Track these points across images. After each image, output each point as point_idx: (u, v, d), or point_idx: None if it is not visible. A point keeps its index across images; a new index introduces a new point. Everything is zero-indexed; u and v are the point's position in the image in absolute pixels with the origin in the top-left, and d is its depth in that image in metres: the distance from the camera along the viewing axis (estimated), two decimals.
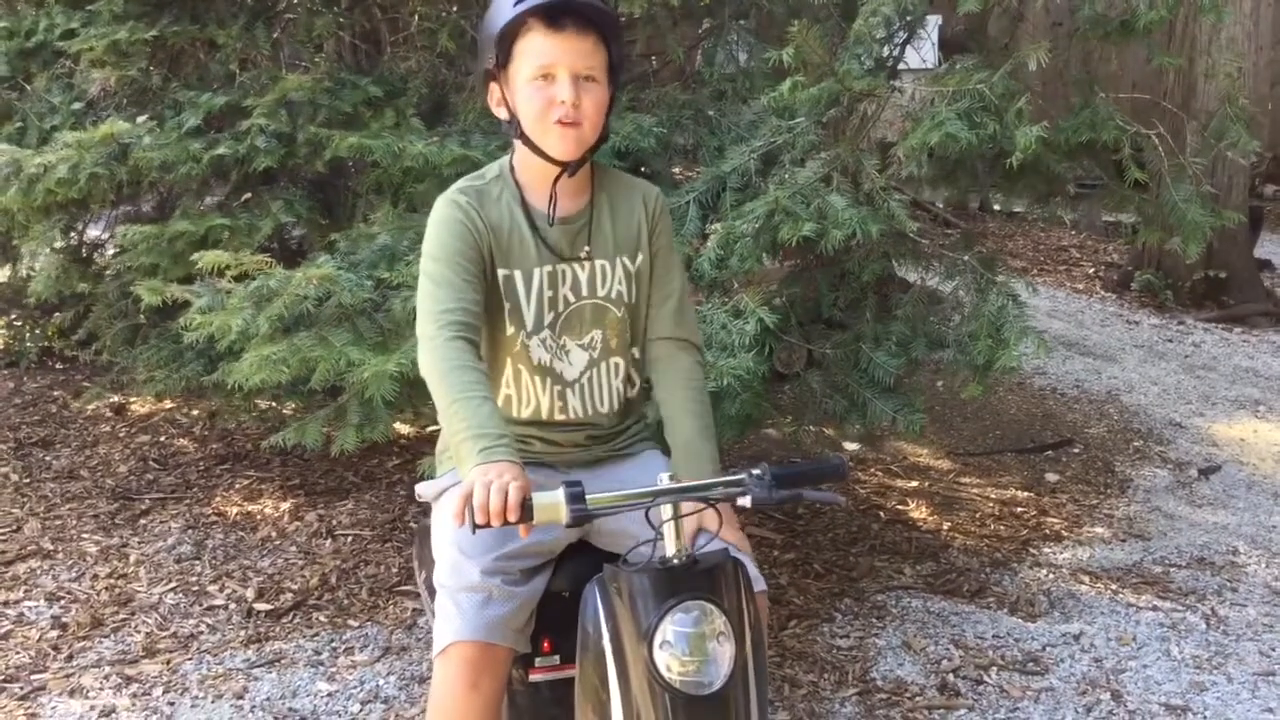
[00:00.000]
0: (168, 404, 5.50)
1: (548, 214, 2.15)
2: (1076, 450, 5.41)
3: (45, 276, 4.68)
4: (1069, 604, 3.77)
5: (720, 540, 1.99)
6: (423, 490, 2.37)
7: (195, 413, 5.44)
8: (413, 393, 3.29)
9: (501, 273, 2.14)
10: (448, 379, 1.98)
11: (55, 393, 5.80)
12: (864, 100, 3.61)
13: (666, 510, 1.89)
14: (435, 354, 2.02)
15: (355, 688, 3.20)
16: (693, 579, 1.87)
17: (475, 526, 1.79)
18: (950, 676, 3.30)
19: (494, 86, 2.12)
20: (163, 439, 5.21)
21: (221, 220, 4.08)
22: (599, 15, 2.08)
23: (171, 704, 3.12)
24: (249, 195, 4.47)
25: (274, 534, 4.22)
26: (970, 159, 3.75)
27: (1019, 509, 4.66)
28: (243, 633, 3.52)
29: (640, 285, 2.23)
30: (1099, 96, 3.63)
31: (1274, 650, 3.51)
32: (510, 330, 2.17)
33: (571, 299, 2.18)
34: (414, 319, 3.35)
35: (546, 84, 2.05)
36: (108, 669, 3.29)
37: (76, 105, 4.65)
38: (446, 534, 2.20)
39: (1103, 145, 3.59)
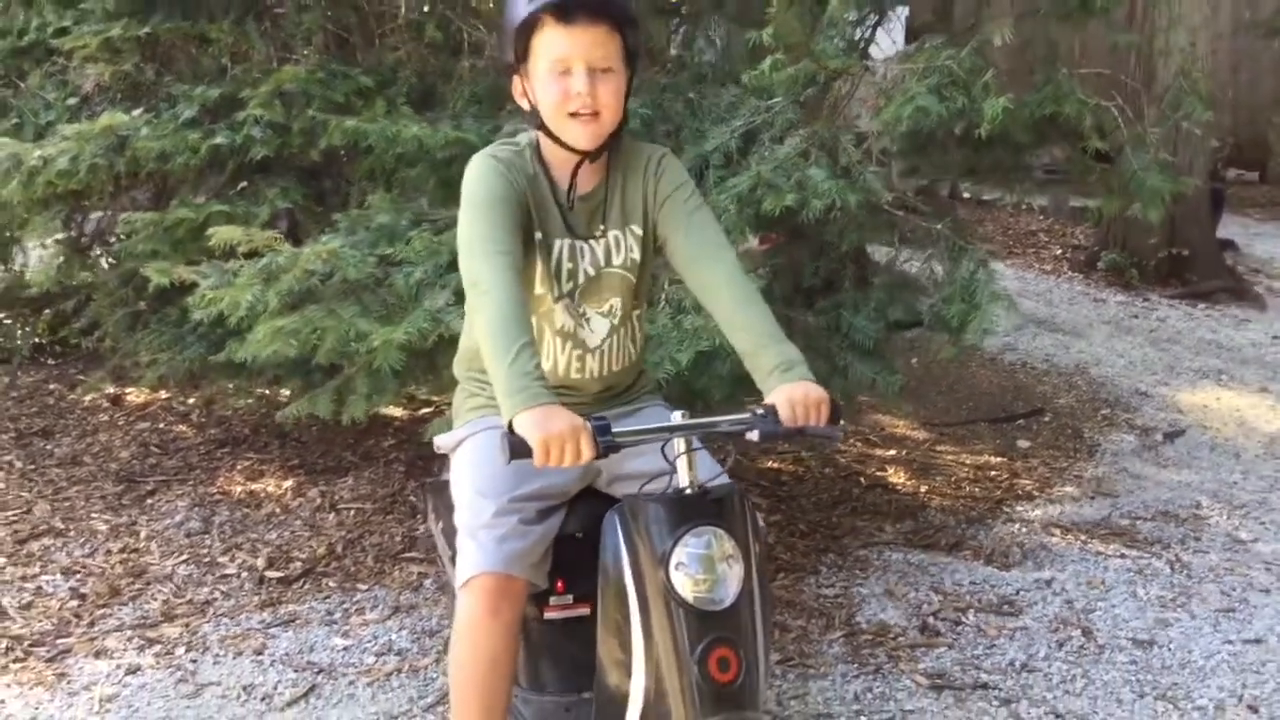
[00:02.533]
0: (163, 393, 5.62)
1: (568, 195, 2.27)
2: (1047, 419, 5.62)
3: (47, 267, 4.81)
4: (1041, 554, 3.97)
5: (726, 476, 2.16)
6: (441, 441, 2.52)
7: (192, 401, 5.57)
8: (418, 363, 3.46)
9: (538, 234, 2.25)
10: (502, 314, 2.01)
11: (51, 386, 5.92)
12: (839, 79, 3.80)
13: (680, 445, 2.06)
14: (492, 290, 2.04)
15: (370, 642, 3.36)
16: (704, 507, 2.04)
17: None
18: (930, 619, 3.50)
19: (516, 79, 2.22)
20: (161, 425, 5.34)
21: (220, 207, 4.21)
22: (610, 5, 2.14)
23: (194, 661, 3.27)
24: (245, 184, 4.60)
25: (278, 510, 4.37)
26: (941, 133, 3.94)
27: (993, 473, 4.86)
28: (256, 598, 3.67)
29: (646, 247, 2.34)
30: (1061, 72, 3.84)
31: (1234, 590, 3.73)
32: (540, 290, 2.29)
33: (591, 271, 2.29)
34: (417, 293, 3.56)
35: (563, 77, 2.14)
36: (129, 633, 3.44)
37: (71, 101, 4.78)
38: (466, 478, 2.35)
39: (1065, 119, 3.80)
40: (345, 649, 3.33)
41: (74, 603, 3.64)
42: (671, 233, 2.29)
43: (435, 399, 5.05)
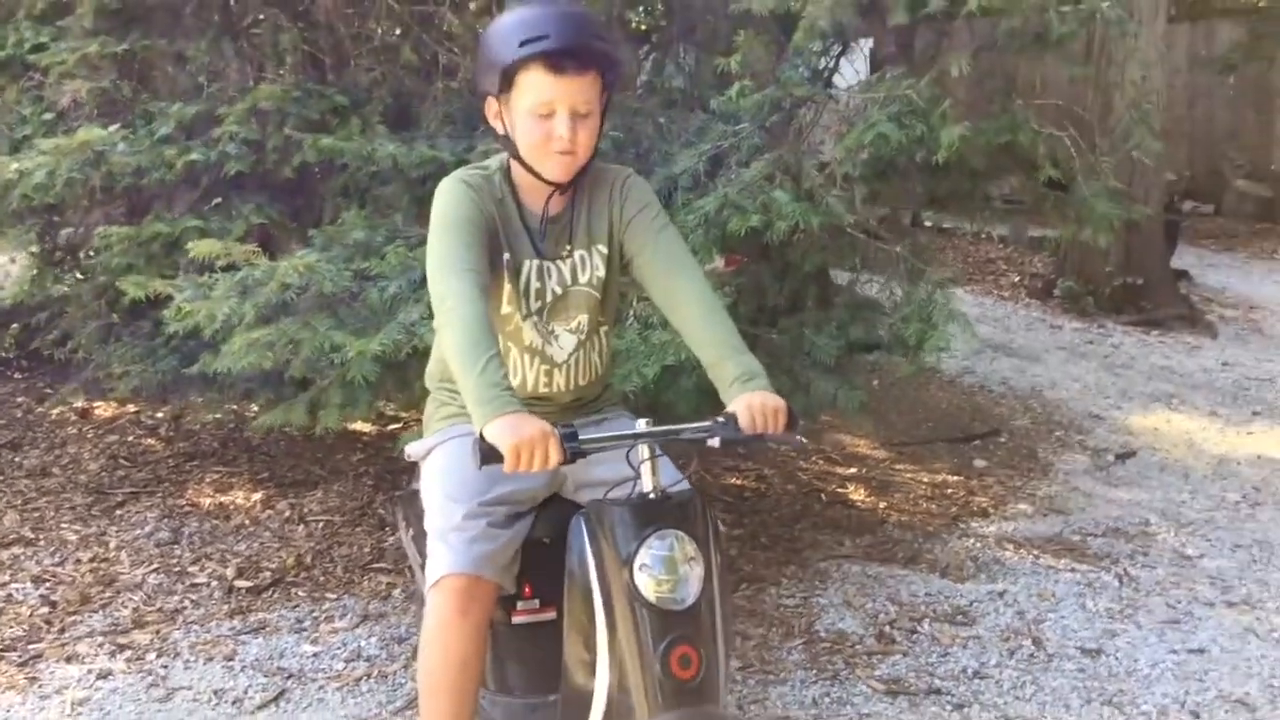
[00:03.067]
0: (131, 407, 5.65)
1: (539, 220, 2.35)
2: (1003, 439, 5.76)
3: (21, 279, 4.85)
4: (994, 568, 4.09)
5: (687, 482, 2.25)
6: (412, 449, 2.61)
7: (160, 415, 5.60)
8: (391, 375, 3.54)
9: (505, 255, 2.34)
10: (468, 329, 2.07)
11: (19, 399, 5.92)
12: (803, 106, 3.93)
13: (644, 451, 2.15)
14: (459, 307, 2.11)
15: (339, 649, 3.43)
16: (667, 511, 2.14)
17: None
18: (887, 628, 3.61)
19: (491, 100, 2.28)
20: (130, 439, 5.37)
21: (195, 222, 4.28)
22: (598, 55, 2.22)
23: (165, 666, 3.32)
24: (219, 200, 4.66)
25: (248, 521, 4.42)
26: (902, 160, 4.07)
27: (949, 490, 4.98)
28: (225, 607, 3.73)
29: (612, 265, 2.43)
30: (1016, 103, 3.99)
31: (1179, 603, 3.86)
32: (508, 309, 2.37)
33: (558, 290, 2.37)
34: (391, 307, 3.64)
35: (546, 120, 2.21)
36: (100, 639, 3.48)
37: (47, 116, 4.82)
38: (436, 484, 2.44)
39: (1020, 148, 3.94)
40: (315, 655, 3.39)
41: (44, 610, 3.68)
42: (638, 251, 2.38)
43: (404, 415, 5.12)
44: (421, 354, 3.39)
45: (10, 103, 4.89)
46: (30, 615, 3.63)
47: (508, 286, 2.36)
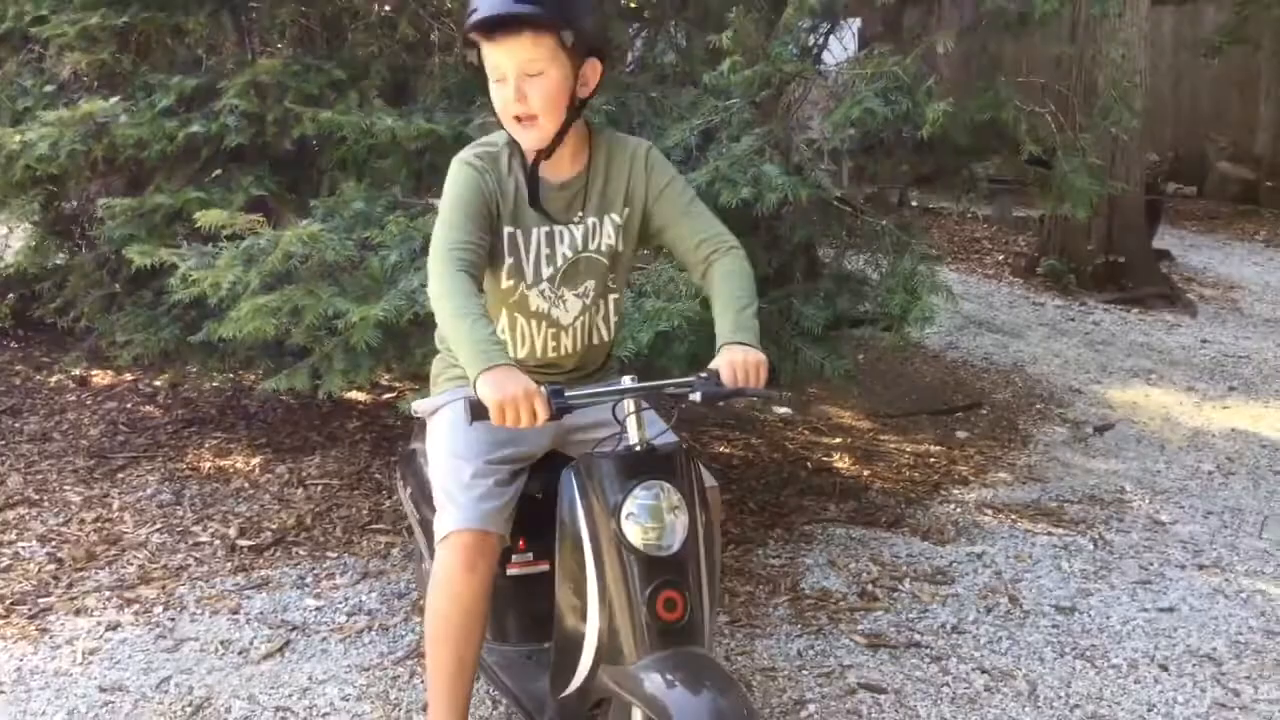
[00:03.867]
0: (129, 375, 5.74)
1: (540, 187, 2.43)
2: (984, 412, 5.90)
3: (25, 249, 4.93)
4: (974, 531, 4.23)
5: (672, 434, 2.36)
6: (419, 406, 2.71)
7: (158, 382, 5.70)
8: (392, 341, 3.64)
9: (507, 230, 2.44)
10: (452, 299, 2.23)
11: (17, 367, 6.01)
12: (793, 82, 4.04)
13: (629, 405, 2.27)
14: (442, 281, 2.26)
15: (340, 603, 3.54)
16: (653, 463, 2.26)
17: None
18: (869, 586, 3.74)
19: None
20: (129, 406, 5.46)
21: (197, 194, 4.36)
22: (527, 17, 2.24)
23: (172, 619, 3.44)
24: (219, 171, 4.74)
25: (247, 485, 4.53)
26: (889, 136, 4.18)
27: (931, 459, 5.12)
28: (229, 564, 3.84)
29: (627, 234, 2.49)
30: (1000, 80, 4.10)
31: (1151, 565, 4.00)
32: (509, 283, 2.47)
33: (569, 254, 2.45)
34: (392, 275, 3.74)
35: (500, 85, 2.33)
36: (108, 593, 3.60)
37: (48, 88, 4.89)
38: (443, 442, 2.55)
39: (1003, 124, 4.06)
40: (318, 609, 3.51)
41: (51, 566, 3.79)
42: (672, 222, 2.48)
43: (398, 385, 5.23)
44: (422, 322, 3.50)
45: (11, 75, 4.95)
46: (38, 572, 3.74)
47: (509, 260, 2.45)
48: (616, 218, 2.48)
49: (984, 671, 3.23)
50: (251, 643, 3.31)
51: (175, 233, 4.39)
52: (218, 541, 4.00)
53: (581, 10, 2.35)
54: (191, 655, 3.24)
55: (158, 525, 4.13)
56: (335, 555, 3.91)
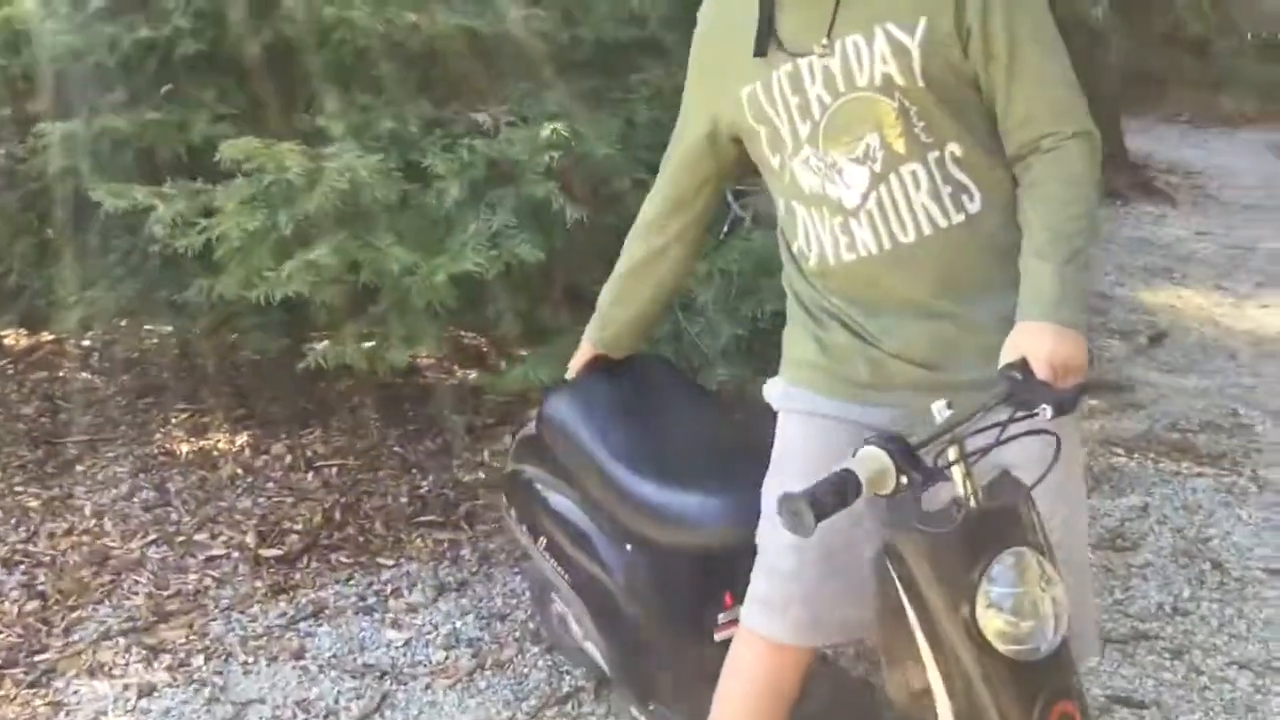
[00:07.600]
0: (48, 335, 4.83)
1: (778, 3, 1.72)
2: None
3: None
4: (1117, 477, 3.70)
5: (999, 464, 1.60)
6: (772, 393, 1.92)
7: (86, 343, 4.80)
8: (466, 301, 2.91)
9: (745, 90, 1.75)
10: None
11: None
12: None
13: (952, 453, 1.51)
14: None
15: (429, 632, 2.82)
16: (1001, 528, 1.53)
17: None
18: None
19: None
20: (61, 375, 4.57)
21: (153, 114, 3.53)
22: None
23: (219, 673, 2.67)
24: (170, 87, 3.87)
25: (242, 471, 3.73)
26: None
27: None
28: (259, 584, 3.07)
29: (933, 55, 1.65)
30: None
31: None
32: (775, 161, 1.77)
33: (827, 99, 1.69)
34: (451, 216, 2.99)
35: None
36: (121, 640, 2.81)
37: None
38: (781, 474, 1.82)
39: None
40: (404, 644, 2.78)
41: (34, 604, 2.98)
42: (988, 74, 1.67)
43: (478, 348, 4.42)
44: (513, 271, 2.78)
45: None
46: (19, 613, 2.92)
47: (762, 130, 1.77)
48: (899, 31, 1.65)
49: (1241, 666, 2.69)
50: (337, 701, 2.57)
51: (123, 164, 3.60)
52: (235, 554, 3.23)
53: None
54: None
55: (151, 535, 3.33)
56: (390, 562, 3.17)
